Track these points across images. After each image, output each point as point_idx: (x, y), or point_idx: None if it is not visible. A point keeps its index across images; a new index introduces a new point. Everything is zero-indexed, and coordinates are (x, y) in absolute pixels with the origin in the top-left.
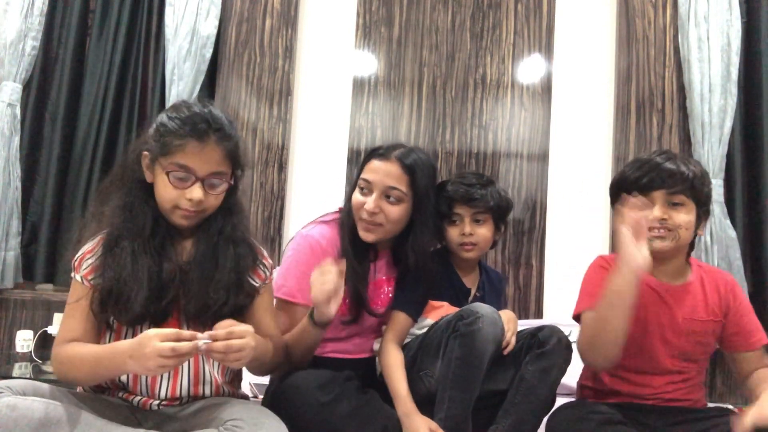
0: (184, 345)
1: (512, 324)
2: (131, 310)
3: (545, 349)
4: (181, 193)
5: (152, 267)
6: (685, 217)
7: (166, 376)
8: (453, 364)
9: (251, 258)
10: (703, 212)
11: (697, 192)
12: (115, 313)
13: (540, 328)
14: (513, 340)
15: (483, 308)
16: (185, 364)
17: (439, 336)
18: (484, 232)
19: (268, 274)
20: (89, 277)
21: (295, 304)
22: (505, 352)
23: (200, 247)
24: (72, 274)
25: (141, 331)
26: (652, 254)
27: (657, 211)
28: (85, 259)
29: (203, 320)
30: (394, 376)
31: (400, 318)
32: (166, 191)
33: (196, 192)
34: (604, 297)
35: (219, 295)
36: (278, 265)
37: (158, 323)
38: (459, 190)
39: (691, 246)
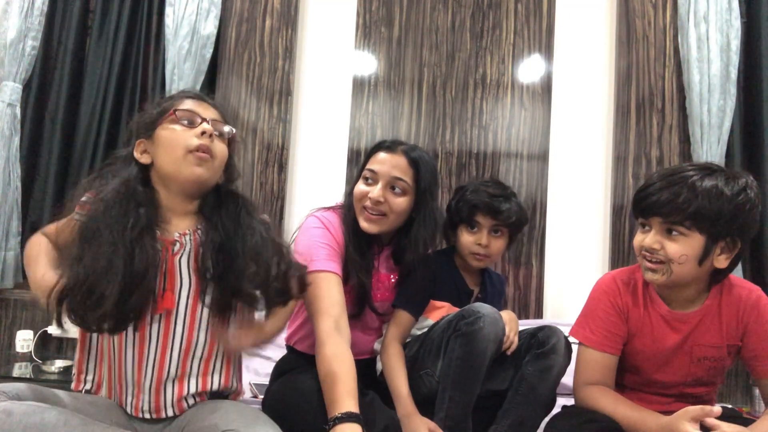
0: None
1: (514, 324)
2: (100, 309)
3: (545, 349)
4: (192, 132)
5: (126, 260)
6: (679, 248)
7: (147, 390)
8: (454, 364)
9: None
10: (716, 243)
11: (704, 222)
12: (79, 314)
13: (540, 329)
14: (516, 340)
15: (484, 308)
16: (170, 384)
17: (440, 335)
18: (499, 244)
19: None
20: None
21: (327, 273)
22: (509, 352)
23: (224, 222)
24: (71, 215)
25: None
26: (664, 283)
27: (649, 240)
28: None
29: (228, 310)
30: (395, 376)
31: (403, 316)
32: (175, 136)
33: (205, 125)
34: (624, 418)
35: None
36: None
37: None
38: (484, 199)
39: (718, 273)
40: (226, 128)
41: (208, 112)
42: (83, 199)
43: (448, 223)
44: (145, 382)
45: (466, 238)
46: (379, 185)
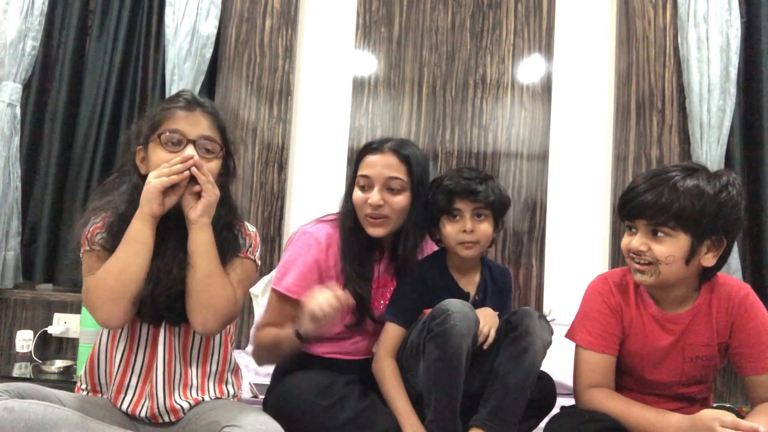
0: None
1: (490, 319)
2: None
3: (518, 332)
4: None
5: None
6: (665, 249)
7: (146, 396)
8: (432, 366)
9: (235, 245)
10: (702, 242)
11: (687, 221)
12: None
13: (513, 313)
14: (492, 333)
15: (453, 304)
16: (160, 394)
17: (417, 337)
18: (485, 228)
19: (248, 247)
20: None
21: (292, 299)
22: (485, 346)
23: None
24: (81, 253)
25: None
26: (654, 284)
27: (635, 242)
28: (96, 234)
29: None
30: (393, 391)
31: (392, 330)
32: (159, 158)
33: (188, 150)
34: (641, 419)
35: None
36: (277, 263)
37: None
38: (460, 183)
39: (706, 271)
40: (215, 152)
41: (198, 126)
42: (96, 234)
43: (428, 218)
44: (157, 390)
45: (449, 229)
46: (376, 189)
